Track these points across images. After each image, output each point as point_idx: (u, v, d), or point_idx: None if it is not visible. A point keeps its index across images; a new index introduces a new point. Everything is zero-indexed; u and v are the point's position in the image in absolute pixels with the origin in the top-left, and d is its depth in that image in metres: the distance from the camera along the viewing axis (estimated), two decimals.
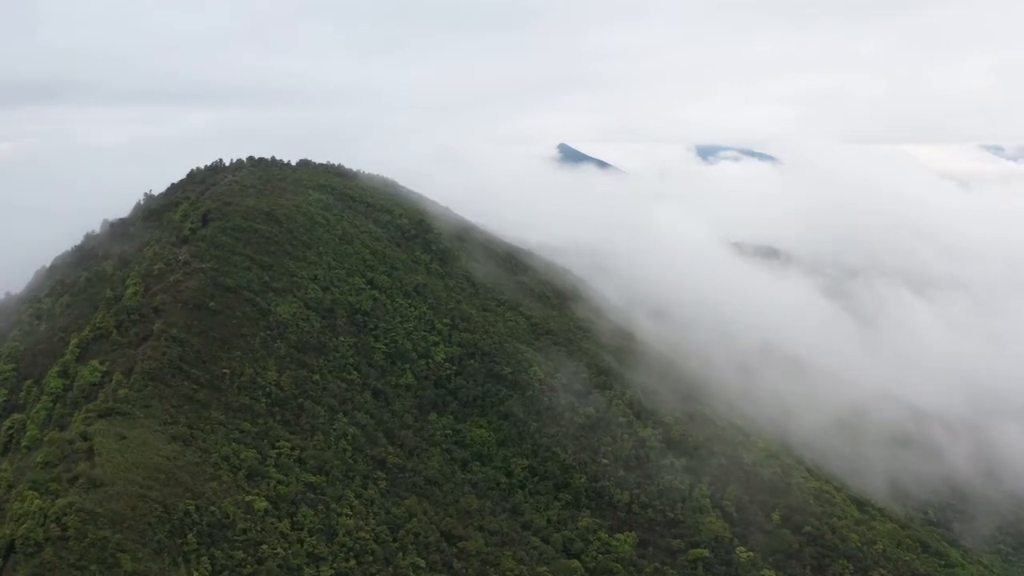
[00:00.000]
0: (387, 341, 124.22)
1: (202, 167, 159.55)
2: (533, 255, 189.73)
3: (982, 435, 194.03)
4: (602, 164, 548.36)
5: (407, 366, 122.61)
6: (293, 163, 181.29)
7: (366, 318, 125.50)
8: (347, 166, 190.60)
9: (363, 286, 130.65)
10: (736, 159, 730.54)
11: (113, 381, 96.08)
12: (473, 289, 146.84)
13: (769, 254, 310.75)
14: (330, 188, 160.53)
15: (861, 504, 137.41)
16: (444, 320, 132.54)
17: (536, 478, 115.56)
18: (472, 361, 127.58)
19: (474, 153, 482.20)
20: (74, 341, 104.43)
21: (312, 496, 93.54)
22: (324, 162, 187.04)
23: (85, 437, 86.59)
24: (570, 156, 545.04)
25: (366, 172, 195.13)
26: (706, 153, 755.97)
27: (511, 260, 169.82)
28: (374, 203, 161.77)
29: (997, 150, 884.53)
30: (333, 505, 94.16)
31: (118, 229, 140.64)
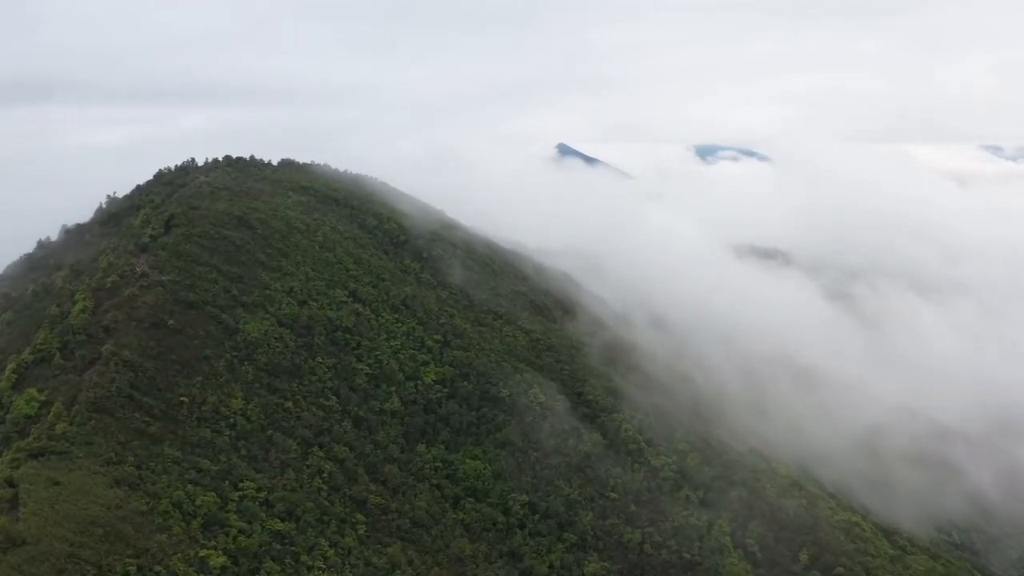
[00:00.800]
0: (371, 361, 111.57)
1: (172, 167, 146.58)
2: (532, 261, 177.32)
3: (1002, 450, 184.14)
4: (601, 164, 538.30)
5: (393, 389, 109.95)
6: (275, 163, 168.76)
7: (347, 335, 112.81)
8: (342, 167, 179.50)
9: (345, 299, 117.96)
10: (735, 159, 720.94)
11: (51, 414, 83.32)
12: (467, 301, 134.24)
13: (770, 255, 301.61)
14: (312, 190, 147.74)
15: (889, 533, 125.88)
16: (435, 336, 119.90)
17: (537, 516, 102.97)
18: (465, 383, 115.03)
19: (472, 153, 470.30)
20: (11, 365, 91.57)
21: (279, 547, 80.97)
22: (309, 161, 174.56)
23: (11, 483, 74.02)
24: (569, 156, 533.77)
25: (354, 172, 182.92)
26: (705, 153, 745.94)
27: (509, 268, 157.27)
28: (360, 206, 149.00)
29: (996, 150, 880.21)
30: (304, 557, 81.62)
31: (74, 236, 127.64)
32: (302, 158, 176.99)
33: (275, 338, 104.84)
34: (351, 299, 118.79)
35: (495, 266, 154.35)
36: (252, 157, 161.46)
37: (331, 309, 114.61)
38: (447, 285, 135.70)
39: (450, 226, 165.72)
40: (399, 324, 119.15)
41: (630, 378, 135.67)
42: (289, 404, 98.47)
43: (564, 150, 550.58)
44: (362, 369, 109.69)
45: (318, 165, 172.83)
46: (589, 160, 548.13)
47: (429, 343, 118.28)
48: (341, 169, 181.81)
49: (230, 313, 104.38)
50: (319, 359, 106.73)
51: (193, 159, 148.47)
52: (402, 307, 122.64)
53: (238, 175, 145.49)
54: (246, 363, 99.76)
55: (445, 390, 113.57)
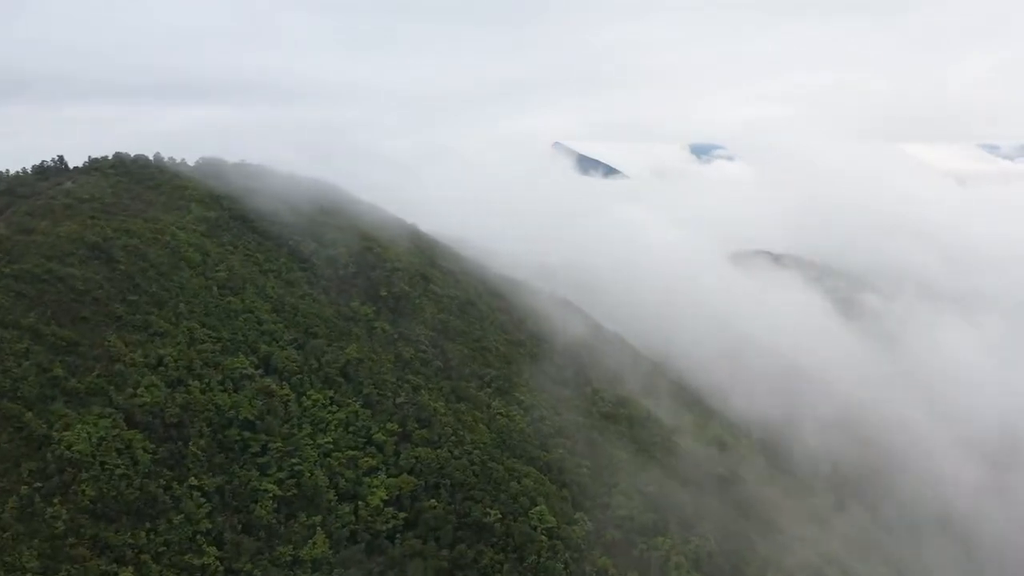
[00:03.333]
0: (284, 475, 71.01)
1: (27, 169, 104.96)
2: (528, 290, 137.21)
3: None
4: (597, 164, 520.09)
5: (317, 520, 69.44)
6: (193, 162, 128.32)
7: (248, 434, 72.18)
8: (329, 169, 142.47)
9: (249, 371, 77.23)
10: (731, 158, 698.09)
11: None
12: (442, 361, 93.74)
13: (774, 261, 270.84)
14: (229, 201, 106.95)
15: None
16: (389, 425, 79.45)
17: None
18: (435, 502, 74.59)
19: (465, 153, 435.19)
20: None
21: None
22: (239, 161, 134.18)
23: None
24: (565, 156, 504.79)
25: (302, 175, 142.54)
26: (701, 152, 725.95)
27: (499, 305, 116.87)
28: (297, 224, 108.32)
29: (992, 148, 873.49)
30: None
31: None
32: (291, 158, 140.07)
33: (118, 450, 63.97)
34: (259, 371, 78.14)
35: (482, 302, 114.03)
36: (158, 155, 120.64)
37: (223, 390, 73.85)
38: (412, 338, 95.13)
39: (424, 248, 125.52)
40: (333, 408, 78.55)
41: (665, 470, 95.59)
42: (127, 572, 57.79)
43: (560, 149, 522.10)
44: (268, 491, 69.08)
45: (249, 165, 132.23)
46: (586, 160, 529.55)
47: (380, 437, 77.79)
48: (287, 171, 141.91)
49: (41, 411, 63.49)
50: (193, 481, 66.00)
51: (61, 157, 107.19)
52: (340, 379, 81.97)
53: (123, 180, 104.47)
54: (56, 501, 58.99)
55: (403, 515, 73.08)
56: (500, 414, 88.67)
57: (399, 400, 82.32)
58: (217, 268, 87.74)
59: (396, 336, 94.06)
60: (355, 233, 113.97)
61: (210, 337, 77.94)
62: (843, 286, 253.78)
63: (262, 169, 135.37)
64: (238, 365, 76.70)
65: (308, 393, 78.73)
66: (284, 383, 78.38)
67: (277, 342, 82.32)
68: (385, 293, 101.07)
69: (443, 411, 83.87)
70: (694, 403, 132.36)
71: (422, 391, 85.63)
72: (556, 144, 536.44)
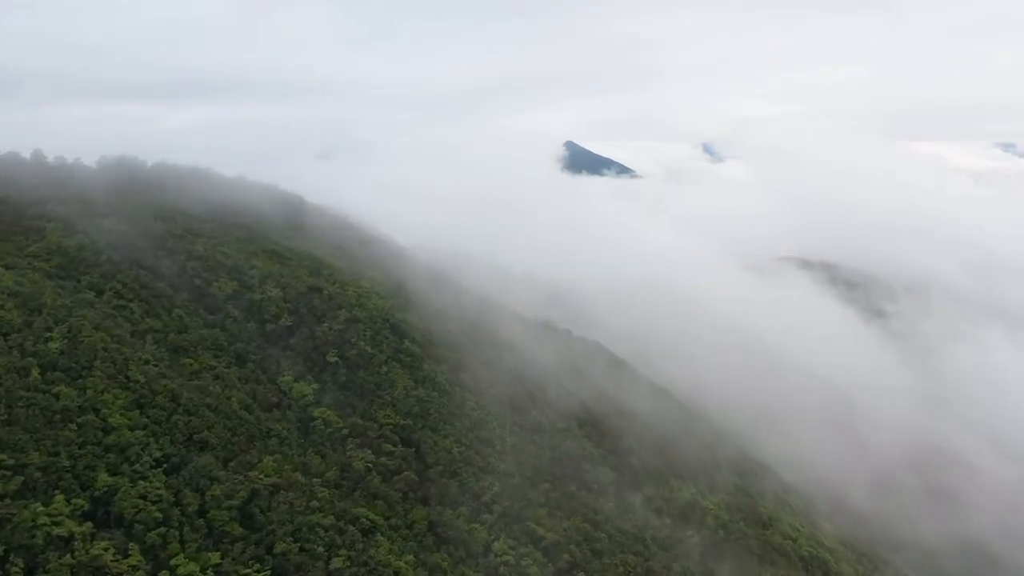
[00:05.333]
0: None
1: None
2: (547, 332, 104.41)
3: None
4: (610, 163, 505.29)
5: None
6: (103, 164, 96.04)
7: None
8: (321, 170, 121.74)
9: (64, 531, 44.03)
10: (743, 157, 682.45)
11: None
12: (417, 471, 60.36)
13: (796, 267, 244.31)
14: (116, 220, 74.13)
15: None
16: None
17: None
18: None
19: (473, 153, 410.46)
20: None
21: None
22: (160, 161, 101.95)
23: None
24: (577, 155, 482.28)
25: (252, 180, 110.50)
26: (714, 150, 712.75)
27: (508, 365, 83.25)
28: (212, 254, 75.19)
29: (1008, 147, 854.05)
30: None
31: None
32: (290, 159, 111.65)
33: None
34: (88, 525, 44.97)
35: (479, 362, 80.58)
36: (37, 152, 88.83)
37: None
38: (371, 435, 61.69)
39: (401, 279, 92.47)
40: None
41: None
42: None
43: (572, 148, 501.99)
44: None
45: (173, 167, 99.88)
46: (599, 159, 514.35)
47: None
48: (234, 174, 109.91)
49: None
50: None
51: None
52: (237, 529, 48.67)
53: None
54: None
55: None
56: (505, 566, 55.37)
57: (335, 564, 49.00)
58: (48, 334, 54.61)
59: (346, 433, 60.77)
60: (303, 264, 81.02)
61: (1, 468, 44.82)
62: (868, 295, 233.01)
63: (195, 172, 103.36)
64: (44, 520, 43.54)
65: (175, 562, 45.53)
66: (133, 546, 45.15)
67: (132, 465, 49.12)
68: (335, 359, 67.76)
69: (410, 573, 50.53)
70: (761, 486, 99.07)
71: (378, 535, 52.35)
72: (568, 143, 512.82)
